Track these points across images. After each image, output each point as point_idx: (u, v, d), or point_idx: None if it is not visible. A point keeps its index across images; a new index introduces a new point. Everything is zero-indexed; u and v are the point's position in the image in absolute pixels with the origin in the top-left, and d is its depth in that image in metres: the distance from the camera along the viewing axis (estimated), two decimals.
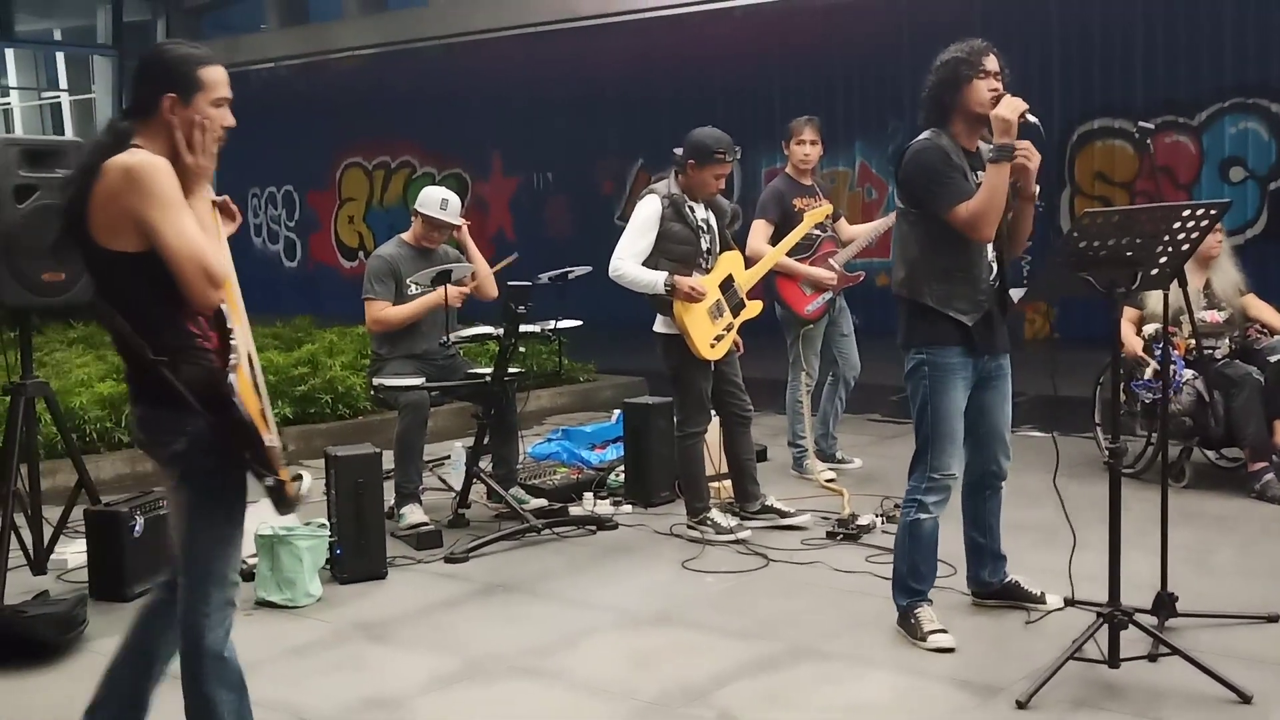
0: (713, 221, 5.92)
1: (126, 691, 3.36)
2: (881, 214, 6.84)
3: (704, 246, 5.86)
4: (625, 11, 13.89)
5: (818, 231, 6.76)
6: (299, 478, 3.14)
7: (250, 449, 3.00)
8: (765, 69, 14.23)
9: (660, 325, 5.87)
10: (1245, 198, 11.67)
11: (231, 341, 3.01)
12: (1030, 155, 4.25)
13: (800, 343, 6.86)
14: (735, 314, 5.92)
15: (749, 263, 6.22)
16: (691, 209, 5.83)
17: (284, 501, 3.10)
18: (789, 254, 6.57)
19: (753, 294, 6.10)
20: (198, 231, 2.95)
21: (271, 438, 3.05)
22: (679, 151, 5.86)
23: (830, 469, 6.97)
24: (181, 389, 2.96)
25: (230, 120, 3.13)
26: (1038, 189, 4.41)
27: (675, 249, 5.78)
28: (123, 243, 2.96)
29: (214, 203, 3.18)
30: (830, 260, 6.82)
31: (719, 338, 5.83)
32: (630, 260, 5.75)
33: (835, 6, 13.08)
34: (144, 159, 2.94)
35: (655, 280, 5.71)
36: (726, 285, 5.92)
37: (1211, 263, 6.57)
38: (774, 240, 6.61)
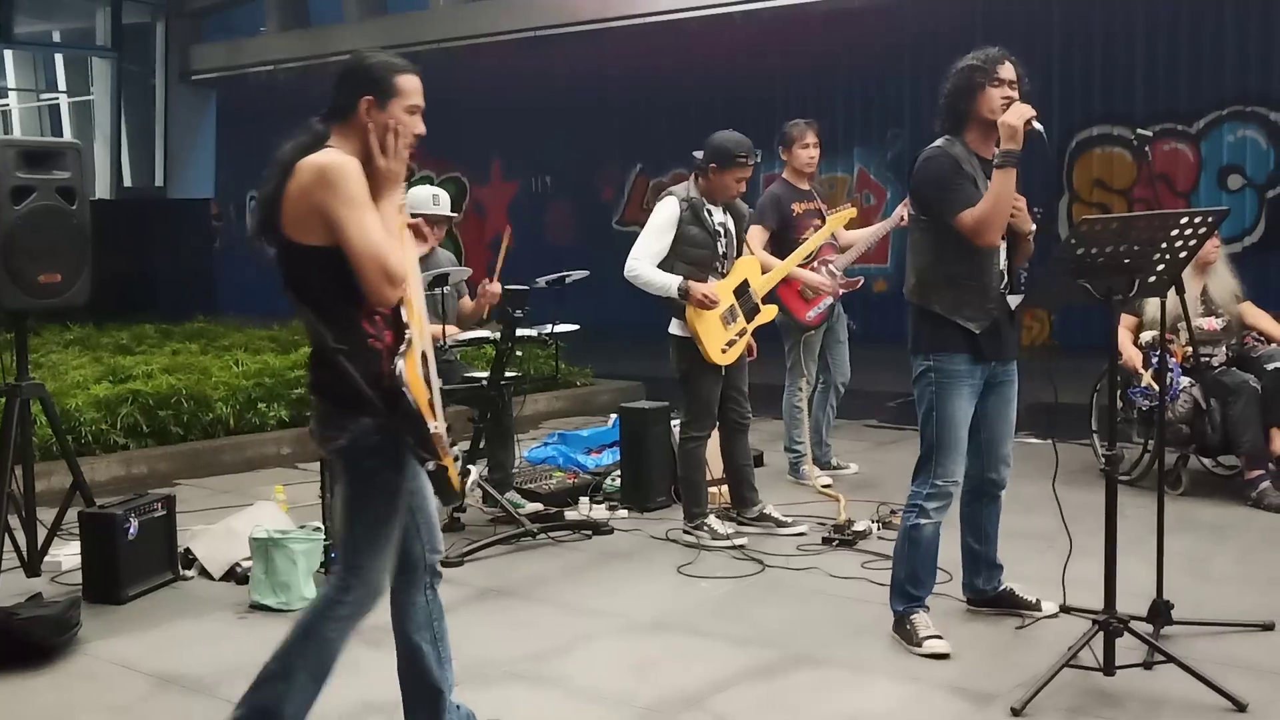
0: (730, 226, 5.90)
1: (411, 682, 3.49)
2: (879, 220, 6.83)
3: (721, 251, 5.85)
4: (625, 16, 13.89)
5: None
6: (467, 473, 3.25)
7: (415, 436, 3.13)
8: (765, 75, 14.24)
9: (675, 328, 5.86)
10: (1243, 206, 11.69)
11: (406, 334, 3.16)
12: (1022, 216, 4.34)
13: (800, 348, 6.85)
14: (749, 319, 5.90)
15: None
16: (709, 213, 5.82)
17: (446, 490, 3.27)
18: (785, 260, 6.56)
19: (767, 299, 6.11)
20: (380, 231, 3.09)
21: (438, 425, 3.17)
22: (699, 155, 5.84)
23: (827, 475, 6.97)
24: (357, 378, 3.11)
25: (421, 128, 3.29)
26: (1034, 229, 4.43)
27: (692, 252, 5.77)
28: (311, 237, 3.12)
29: (408, 223, 3.36)
30: (829, 266, 6.82)
31: (731, 343, 5.82)
32: (646, 261, 5.74)
33: (835, 13, 13.08)
34: (336, 158, 3.10)
35: (669, 284, 5.70)
36: (742, 290, 5.91)
37: (1208, 269, 6.57)
38: (773, 247, 6.60)
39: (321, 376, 3.24)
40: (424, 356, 3.25)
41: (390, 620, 3.48)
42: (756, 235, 6.58)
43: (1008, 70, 4.32)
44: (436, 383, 3.31)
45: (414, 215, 5.99)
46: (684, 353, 5.83)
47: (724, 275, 5.86)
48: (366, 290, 3.08)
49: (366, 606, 3.32)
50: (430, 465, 3.17)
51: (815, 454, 7.08)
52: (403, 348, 3.14)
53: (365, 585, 3.29)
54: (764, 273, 6.16)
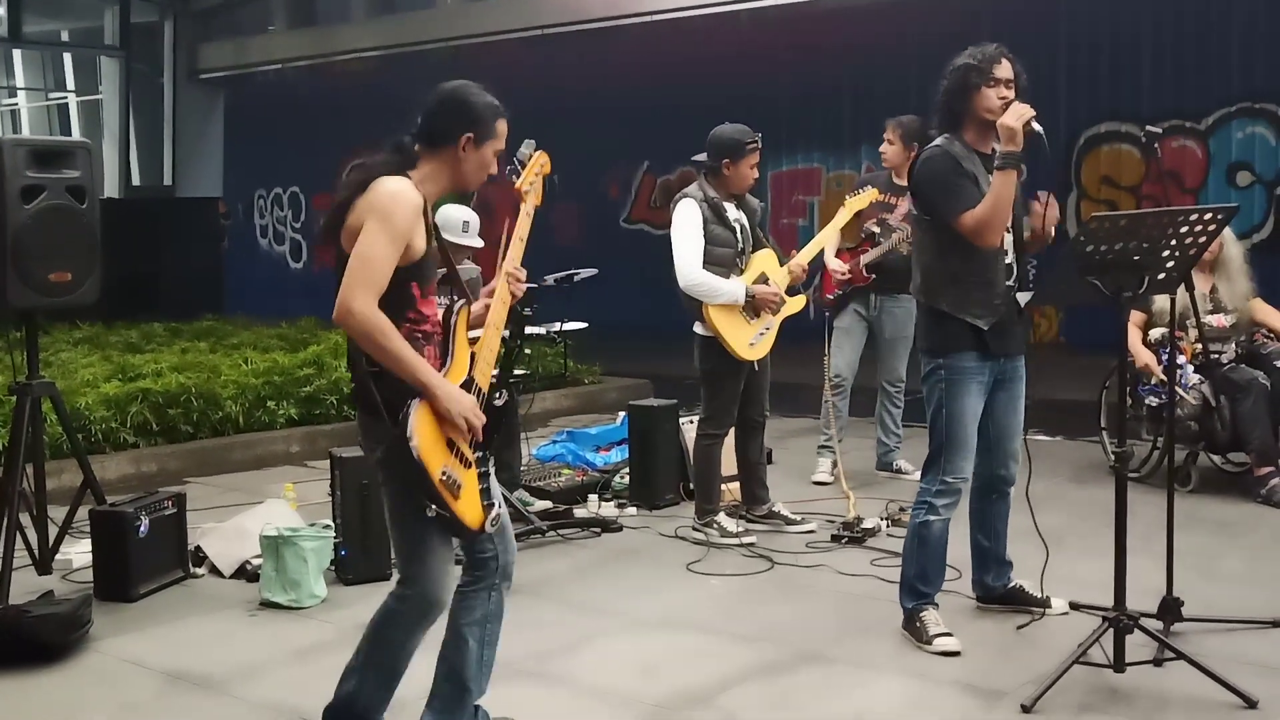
0: (744, 221, 5.90)
1: (444, 671, 3.55)
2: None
3: (739, 247, 5.85)
4: (631, 15, 13.88)
5: (876, 229, 6.78)
6: (491, 506, 3.34)
7: (416, 483, 3.17)
8: (772, 73, 14.22)
9: (699, 328, 5.85)
10: (1252, 202, 11.65)
11: (444, 369, 3.27)
12: (1038, 214, 4.37)
13: (826, 335, 6.87)
14: (774, 313, 5.90)
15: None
16: (726, 210, 5.82)
17: (457, 531, 3.30)
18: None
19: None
20: (386, 260, 3.14)
21: (450, 466, 3.21)
22: (703, 157, 5.83)
23: (825, 473, 6.96)
24: (379, 403, 3.18)
25: (495, 170, 3.43)
26: (1052, 234, 4.44)
27: (716, 251, 5.76)
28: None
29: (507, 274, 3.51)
30: (860, 257, 6.83)
31: (760, 335, 5.81)
32: (700, 269, 5.70)
33: (842, 11, 13.07)
34: (405, 189, 3.20)
35: (736, 291, 5.70)
36: (761, 284, 5.89)
37: (1219, 268, 6.55)
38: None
39: (358, 391, 3.33)
40: (475, 389, 3.33)
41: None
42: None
43: (1004, 69, 4.31)
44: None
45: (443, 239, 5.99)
46: (708, 352, 5.82)
47: (742, 271, 5.86)
48: (341, 291, 3.13)
49: (426, 612, 3.40)
50: (430, 511, 3.20)
51: (878, 452, 7.13)
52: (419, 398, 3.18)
53: (420, 593, 3.37)
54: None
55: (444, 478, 3.19)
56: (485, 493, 3.33)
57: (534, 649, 4.51)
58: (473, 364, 3.37)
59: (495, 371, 3.48)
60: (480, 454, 3.35)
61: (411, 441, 3.11)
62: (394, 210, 3.16)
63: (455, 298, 3.40)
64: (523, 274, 3.60)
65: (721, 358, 5.77)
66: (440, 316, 3.36)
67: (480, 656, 3.52)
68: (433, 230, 3.32)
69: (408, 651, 3.45)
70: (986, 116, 4.28)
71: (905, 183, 6.78)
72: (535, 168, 3.75)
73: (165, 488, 6.08)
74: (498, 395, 3.45)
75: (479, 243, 6.36)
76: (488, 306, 3.56)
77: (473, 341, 3.42)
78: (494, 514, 3.33)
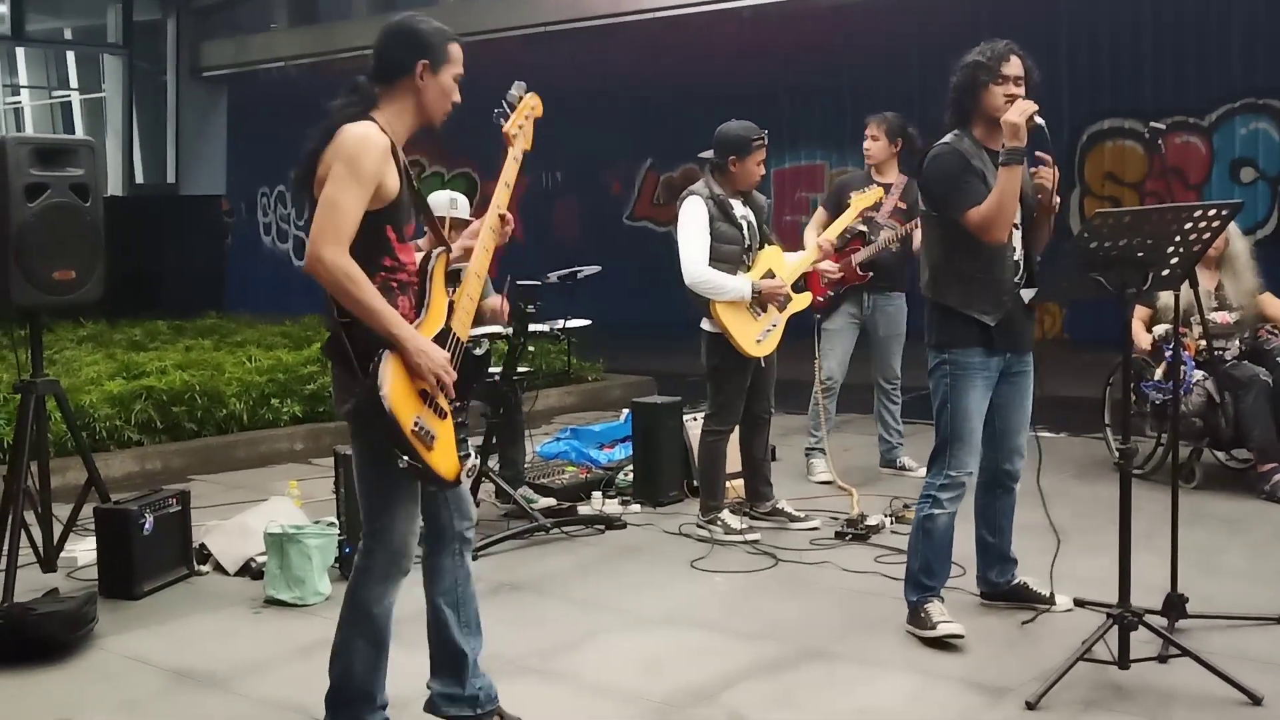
0: (751, 217, 5.90)
1: (435, 642, 3.63)
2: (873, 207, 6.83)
3: (746, 244, 5.85)
4: (633, 12, 13.88)
5: (863, 227, 6.77)
6: (467, 456, 3.30)
7: (386, 433, 3.16)
8: (774, 70, 14.22)
9: (706, 324, 5.85)
10: (1255, 198, 11.63)
11: (419, 320, 3.26)
12: (1046, 177, 4.31)
13: (815, 337, 6.86)
14: (781, 308, 5.89)
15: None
16: (733, 207, 5.83)
17: (432, 481, 3.30)
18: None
19: (799, 286, 6.11)
20: (354, 206, 3.15)
21: (422, 417, 3.21)
22: (708, 155, 5.83)
23: (826, 472, 6.96)
24: (351, 353, 3.18)
25: (458, 97, 3.39)
26: (1057, 201, 4.43)
27: (723, 249, 5.76)
28: None
29: (500, 216, 3.53)
30: (851, 256, 6.82)
31: (767, 332, 5.81)
32: (706, 267, 5.70)
33: (843, 7, 13.06)
34: (370, 132, 3.20)
35: (743, 288, 5.71)
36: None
37: (1225, 264, 6.54)
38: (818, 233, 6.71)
39: (329, 345, 3.33)
40: (453, 339, 3.32)
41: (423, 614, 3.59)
42: (816, 219, 6.87)
43: (1013, 66, 4.31)
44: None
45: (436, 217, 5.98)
46: (715, 348, 5.83)
47: (749, 268, 5.86)
48: (310, 239, 3.15)
49: (395, 567, 3.41)
50: (401, 462, 3.19)
51: (880, 449, 7.14)
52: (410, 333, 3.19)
53: (386, 548, 3.38)
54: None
55: (416, 428, 3.19)
56: (462, 443, 3.32)
57: (538, 646, 4.51)
58: (450, 314, 3.36)
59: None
60: (457, 405, 3.34)
61: (382, 391, 3.11)
62: (359, 154, 3.16)
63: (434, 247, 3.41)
64: (510, 218, 3.58)
65: (728, 354, 5.77)
66: (419, 264, 3.36)
67: (459, 619, 3.57)
68: (405, 173, 3.32)
69: (385, 610, 3.45)
70: (993, 114, 4.29)
71: (887, 180, 6.83)
72: (525, 110, 3.70)
73: (169, 485, 6.09)
74: (477, 345, 3.42)
75: (467, 216, 6.38)
76: (467, 251, 3.54)
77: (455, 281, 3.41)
78: (469, 465, 3.33)
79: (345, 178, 3.15)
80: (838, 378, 7.00)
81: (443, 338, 3.31)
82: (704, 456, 5.99)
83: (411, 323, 3.24)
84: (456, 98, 3.39)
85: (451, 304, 3.38)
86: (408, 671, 3.91)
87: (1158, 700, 3.86)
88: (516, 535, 5.84)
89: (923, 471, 6.96)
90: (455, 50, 3.37)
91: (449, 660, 3.62)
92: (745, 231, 5.83)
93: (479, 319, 6.46)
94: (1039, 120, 4.20)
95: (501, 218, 3.55)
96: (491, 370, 6.44)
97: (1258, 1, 11.51)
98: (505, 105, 3.66)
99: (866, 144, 6.92)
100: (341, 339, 3.22)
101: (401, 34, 3.36)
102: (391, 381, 3.14)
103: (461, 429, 3.32)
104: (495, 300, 6.45)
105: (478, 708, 3.62)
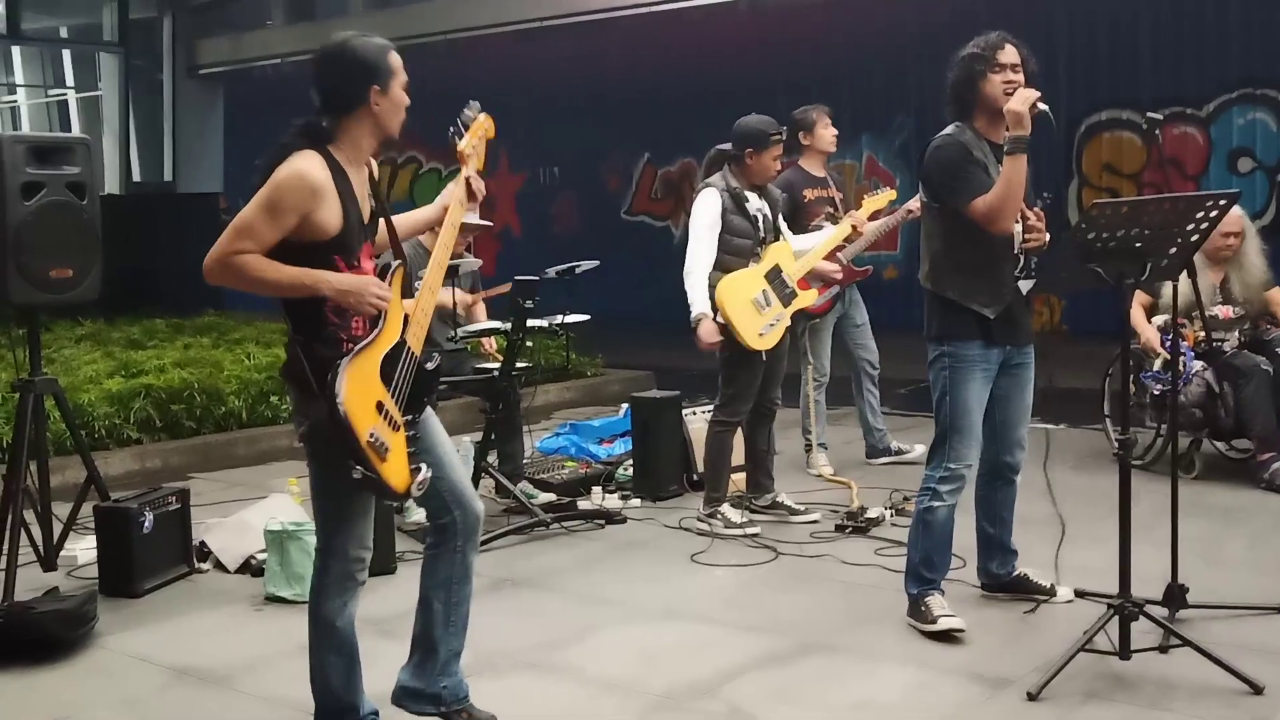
0: (766, 211, 5.90)
1: (417, 632, 3.65)
2: (887, 209, 6.79)
3: (760, 237, 5.84)
4: (630, 6, 13.86)
5: (828, 222, 6.74)
6: (417, 470, 3.33)
7: (342, 442, 3.17)
8: (771, 63, 14.19)
9: (719, 315, 5.85)
10: (1253, 189, 11.63)
11: (374, 333, 3.27)
12: (1037, 228, 4.34)
13: (807, 336, 6.85)
14: (786, 304, 5.88)
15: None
16: (748, 200, 5.82)
17: (382, 493, 3.31)
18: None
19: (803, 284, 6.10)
20: (259, 230, 3.18)
21: (378, 429, 3.22)
22: (727, 146, 5.84)
23: (828, 466, 6.95)
24: (307, 370, 3.22)
25: (408, 101, 3.41)
26: (1047, 238, 4.42)
27: (735, 242, 5.76)
28: None
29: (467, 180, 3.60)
30: (838, 254, 6.80)
31: (770, 326, 5.81)
32: (701, 271, 5.72)
33: (841, 2, 13.03)
34: (307, 169, 3.20)
35: (698, 306, 5.70)
36: (773, 276, 5.87)
37: (1231, 260, 6.51)
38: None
39: (289, 363, 3.36)
40: (407, 353, 3.33)
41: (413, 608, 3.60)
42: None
43: (1009, 54, 4.31)
44: (406, 380, 3.35)
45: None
46: (726, 340, 5.83)
47: (759, 260, 5.85)
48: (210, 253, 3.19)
49: (350, 580, 3.47)
50: (355, 473, 3.20)
51: (870, 440, 7.13)
52: (360, 346, 3.23)
53: (341, 561, 3.44)
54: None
55: (371, 439, 3.20)
56: (414, 456, 3.34)
57: (538, 640, 4.52)
58: (405, 327, 3.37)
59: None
60: (410, 417, 3.35)
61: (338, 400, 3.13)
62: (281, 186, 3.18)
63: (392, 260, 3.42)
64: (480, 188, 3.68)
65: (736, 345, 5.77)
66: (376, 275, 3.37)
67: (447, 618, 3.59)
68: (372, 193, 3.37)
69: (347, 622, 3.50)
70: (994, 104, 4.28)
71: (821, 172, 6.81)
72: (479, 131, 3.72)
73: (169, 483, 6.07)
74: (430, 360, 3.42)
75: (481, 222, 6.36)
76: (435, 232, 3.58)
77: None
78: (420, 478, 3.34)
79: (258, 203, 3.19)
80: (828, 371, 7.00)
81: (398, 349, 3.32)
82: (710, 447, 5.98)
83: (367, 337, 3.27)
84: (406, 101, 3.41)
85: (407, 317, 3.38)
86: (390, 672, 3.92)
87: (1159, 690, 3.87)
88: (516, 530, 5.85)
89: (917, 450, 7.01)
90: (396, 60, 3.39)
91: (422, 653, 3.64)
92: (760, 225, 5.83)
93: (456, 319, 6.46)
94: (1043, 106, 4.19)
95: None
96: (490, 366, 6.45)
97: None
98: (460, 125, 3.69)
99: (831, 132, 6.87)
100: (299, 359, 3.27)
101: (345, 63, 3.34)
102: (348, 393, 3.16)
103: (413, 442, 3.33)
104: (468, 298, 6.46)
105: (440, 705, 3.63)
